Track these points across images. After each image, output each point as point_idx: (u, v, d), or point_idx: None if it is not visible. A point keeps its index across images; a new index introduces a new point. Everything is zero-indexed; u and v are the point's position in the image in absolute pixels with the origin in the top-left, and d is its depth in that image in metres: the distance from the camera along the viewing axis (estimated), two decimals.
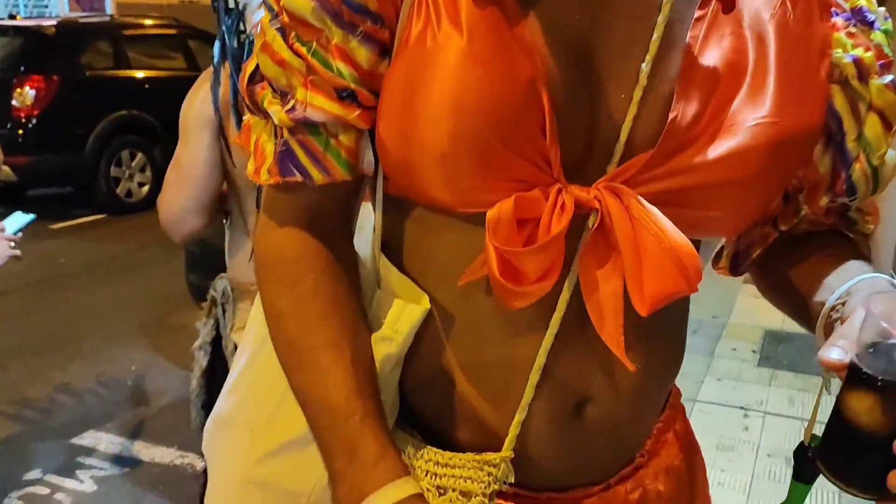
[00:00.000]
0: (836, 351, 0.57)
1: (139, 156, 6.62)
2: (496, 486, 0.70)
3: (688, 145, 0.63)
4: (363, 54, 0.64)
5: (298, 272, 0.71)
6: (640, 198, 0.62)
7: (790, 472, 0.72)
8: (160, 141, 6.50)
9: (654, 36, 0.63)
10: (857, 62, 0.68)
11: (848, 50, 0.68)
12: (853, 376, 0.55)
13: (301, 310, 0.69)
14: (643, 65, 0.63)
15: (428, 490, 0.70)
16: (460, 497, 0.70)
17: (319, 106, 0.65)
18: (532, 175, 0.62)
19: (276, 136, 0.69)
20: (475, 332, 0.70)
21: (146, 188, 6.60)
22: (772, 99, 0.64)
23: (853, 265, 0.72)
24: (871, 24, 0.70)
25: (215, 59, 1.46)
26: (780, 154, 0.65)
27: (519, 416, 0.69)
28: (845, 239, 0.78)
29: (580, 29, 0.64)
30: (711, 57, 0.64)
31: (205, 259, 3.14)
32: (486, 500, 0.70)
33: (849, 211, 0.77)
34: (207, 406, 1.64)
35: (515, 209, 0.61)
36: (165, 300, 4.26)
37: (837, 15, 0.70)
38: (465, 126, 0.61)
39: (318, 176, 0.68)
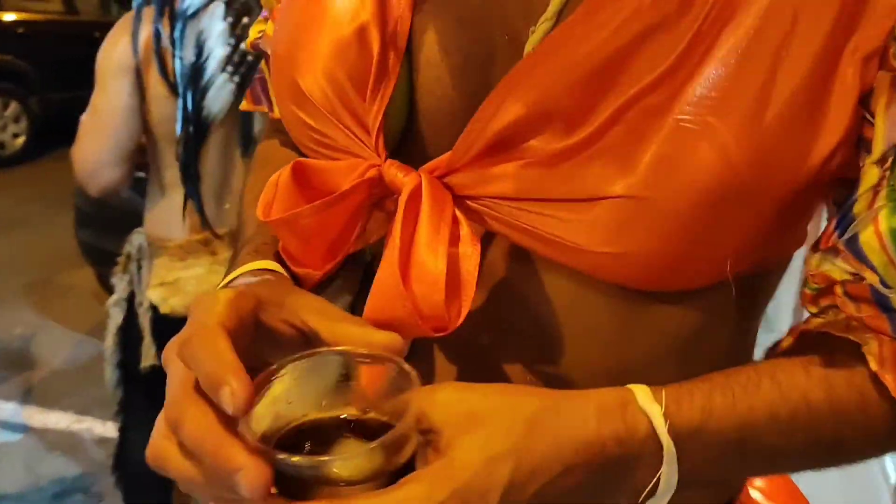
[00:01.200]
0: None
1: (13, 105, 6.18)
2: None
3: (532, 144, 0.45)
4: None
5: (266, 162, 0.68)
6: (425, 194, 0.48)
7: None
8: (36, 89, 6.09)
9: None
10: None
11: None
12: None
13: (254, 182, 0.65)
14: (532, 28, 0.48)
15: None
16: None
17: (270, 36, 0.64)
18: (349, 143, 0.52)
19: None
20: None
21: (21, 140, 6.19)
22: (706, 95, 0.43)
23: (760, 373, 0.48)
24: None
25: (137, 1, 1.39)
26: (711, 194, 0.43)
27: None
28: (849, 361, 0.47)
29: None
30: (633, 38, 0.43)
31: (97, 215, 3.00)
32: None
33: (889, 303, 0.45)
34: (123, 364, 1.59)
35: (295, 176, 0.52)
36: (51, 259, 4.03)
37: None
38: (294, 78, 0.53)
39: (276, 109, 0.66)
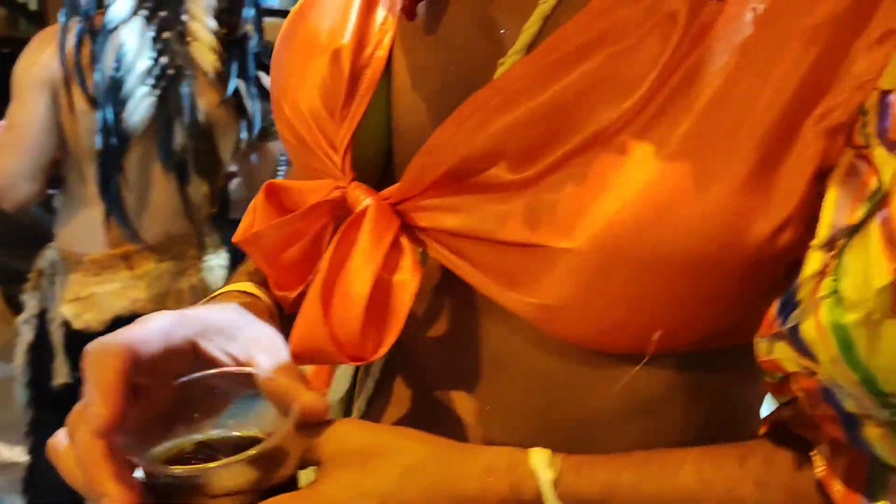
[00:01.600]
0: None
1: None
2: None
3: (490, 174, 0.43)
4: None
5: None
6: (367, 219, 0.46)
7: None
8: None
9: (532, 19, 0.46)
10: (889, 108, 0.37)
11: None
12: None
13: None
14: (500, 60, 0.46)
15: None
16: None
17: None
18: (323, 164, 0.51)
19: None
20: None
21: None
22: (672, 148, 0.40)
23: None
24: None
25: (63, 16, 1.38)
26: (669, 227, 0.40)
27: None
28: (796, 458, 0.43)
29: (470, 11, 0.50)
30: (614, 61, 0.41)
31: (1, 234, 2.88)
32: None
33: (840, 403, 0.38)
34: (34, 383, 1.54)
35: (268, 197, 0.52)
36: None
37: None
38: (282, 103, 0.54)
39: None
